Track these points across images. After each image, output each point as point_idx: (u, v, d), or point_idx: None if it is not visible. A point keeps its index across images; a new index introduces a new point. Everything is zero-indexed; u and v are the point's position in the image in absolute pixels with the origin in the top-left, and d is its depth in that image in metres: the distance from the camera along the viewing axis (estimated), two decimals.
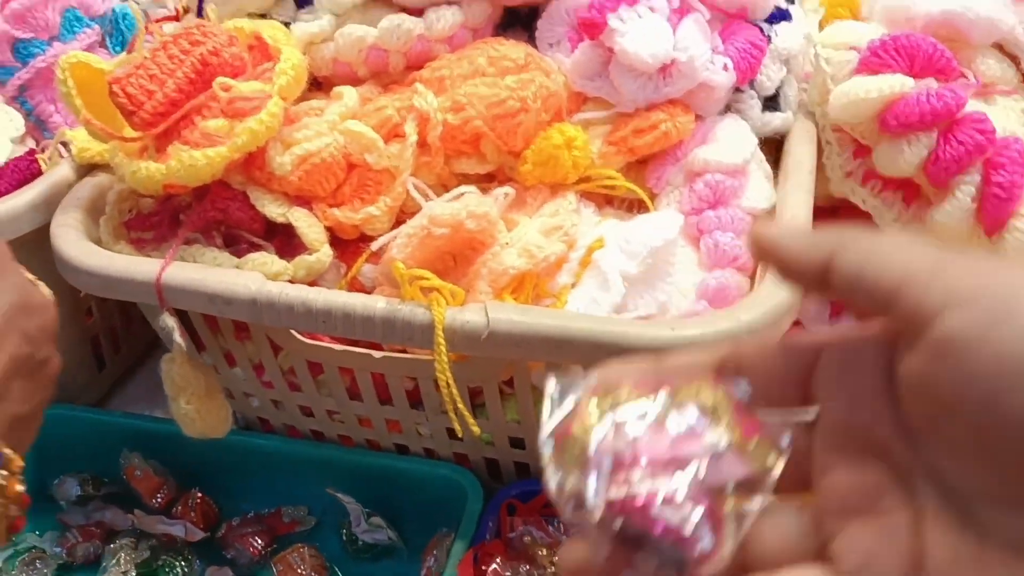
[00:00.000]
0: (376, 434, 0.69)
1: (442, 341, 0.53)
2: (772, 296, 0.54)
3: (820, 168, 0.69)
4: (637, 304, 0.58)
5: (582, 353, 0.53)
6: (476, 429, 0.56)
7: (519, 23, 0.72)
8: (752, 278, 0.62)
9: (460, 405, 0.55)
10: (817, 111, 0.69)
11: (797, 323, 0.74)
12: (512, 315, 0.54)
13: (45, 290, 0.49)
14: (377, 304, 0.55)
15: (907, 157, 0.64)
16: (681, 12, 0.64)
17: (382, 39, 0.65)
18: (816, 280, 0.27)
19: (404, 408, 0.64)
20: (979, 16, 0.66)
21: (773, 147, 0.69)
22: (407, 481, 0.68)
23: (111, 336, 0.81)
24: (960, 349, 0.23)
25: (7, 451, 0.42)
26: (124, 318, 0.82)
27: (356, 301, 0.55)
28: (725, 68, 0.63)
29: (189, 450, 0.67)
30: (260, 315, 0.56)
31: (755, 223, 0.63)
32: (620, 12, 0.62)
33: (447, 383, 0.54)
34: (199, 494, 0.71)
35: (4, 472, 0.42)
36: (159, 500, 0.71)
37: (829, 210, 0.75)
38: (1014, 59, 0.69)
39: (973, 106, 0.64)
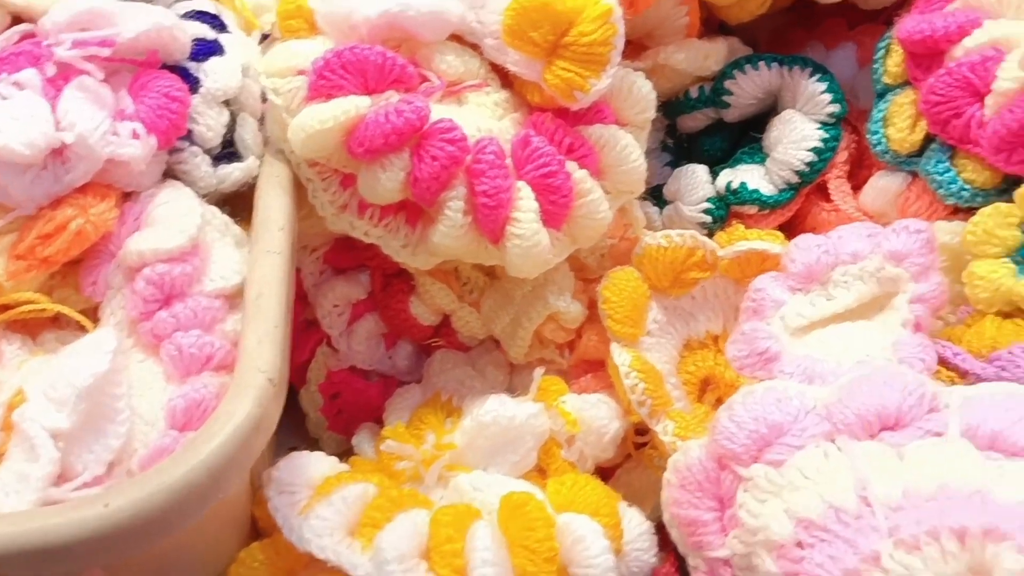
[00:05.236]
0: None
1: None
2: (230, 415, 0.44)
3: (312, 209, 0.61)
4: (86, 463, 0.46)
5: None
6: None
7: None
8: None
9: None
10: (286, 148, 0.60)
11: None
12: None
13: None
14: None
15: (384, 183, 0.56)
16: (65, 79, 0.51)
17: None
18: None
19: None
20: (421, 12, 0.58)
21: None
22: None
23: None
24: None
25: None
26: None
27: None
28: (135, 135, 0.52)
29: None
30: None
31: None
32: None
33: None
34: None
35: None
36: None
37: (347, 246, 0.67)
38: (476, 48, 0.63)
39: (440, 112, 0.58)
